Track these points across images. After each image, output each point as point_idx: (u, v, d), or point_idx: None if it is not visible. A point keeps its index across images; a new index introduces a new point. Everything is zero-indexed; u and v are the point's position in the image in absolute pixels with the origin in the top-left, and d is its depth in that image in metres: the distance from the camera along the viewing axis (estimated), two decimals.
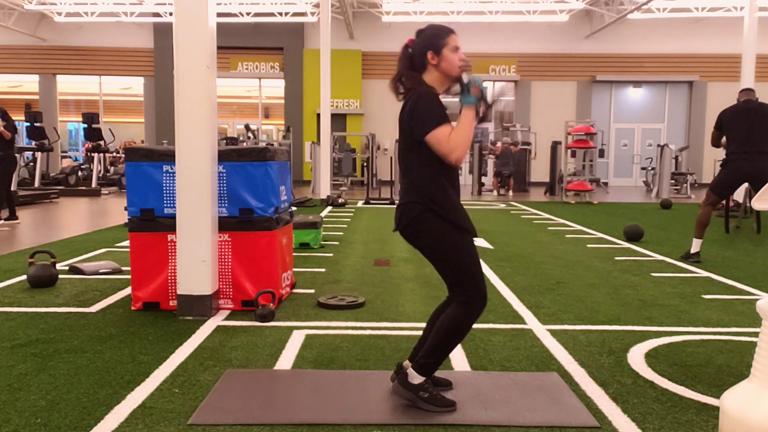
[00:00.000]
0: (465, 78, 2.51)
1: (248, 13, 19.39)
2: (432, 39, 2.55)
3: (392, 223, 9.54)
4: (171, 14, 19.01)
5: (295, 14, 19.73)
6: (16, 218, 9.09)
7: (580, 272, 5.64)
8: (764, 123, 5.79)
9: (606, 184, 20.72)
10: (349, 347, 3.43)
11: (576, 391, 2.82)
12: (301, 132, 20.79)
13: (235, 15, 19.33)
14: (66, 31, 20.96)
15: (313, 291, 4.79)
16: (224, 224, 4.13)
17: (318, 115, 19.82)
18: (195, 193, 3.90)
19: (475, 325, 3.85)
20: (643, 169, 19.60)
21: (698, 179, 20.54)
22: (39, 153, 15.02)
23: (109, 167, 18.09)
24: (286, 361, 3.20)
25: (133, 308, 4.18)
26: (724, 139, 6.05)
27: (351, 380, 2.92)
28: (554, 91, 21.13)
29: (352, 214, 10.81)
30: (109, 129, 18.09)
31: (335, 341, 3.53)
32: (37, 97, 21.34)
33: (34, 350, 3.31)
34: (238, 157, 4.13)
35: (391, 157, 15.01)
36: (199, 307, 3.95)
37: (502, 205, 13.15)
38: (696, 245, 6.17)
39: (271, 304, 4.04)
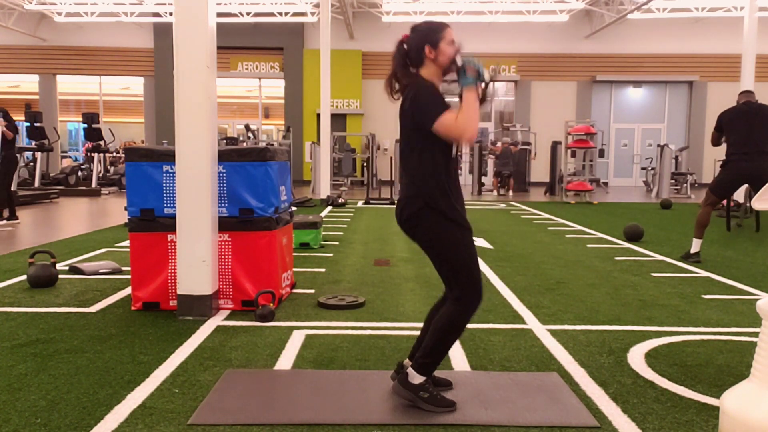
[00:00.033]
0: (459, 61, 2.52)
1: (248, 13, 19.39)
2: (429, 33, 2.56)
3: (392, 223, 9.54)
4: (171, 14, 19.01)
5: (295, 14, 19.73)
6: (16, 218, 9.09)
7: (580, 272, 5.64)
8: (764, 124, 5.81)
9: (606, 184, 20.72)
10: (349, 347, 3.43)
11: (576, 391, 2.82)
12: (301, 132, 20.79)
13: (235, 15, 19.33)
14: (66, 31, 20.96)
15: (313, 291, 4.79)
16: (224, 224, 4.13)
17: (318, 115, 19.82)
18: (195, 193, 3.90)
19: (475, 325, 3.85)
20: (643, 169, 19.60)
21: (698, 179, 20.54)
22: (39, 153, 15.02)
23: (109, 167, 18.09)
24: (286, 361, 3.20)
25: (133, 308, 4.18)
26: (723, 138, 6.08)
27: (351, 380, 2.92)
28: (554, 91, 21.13)
29: (352, 214, 10.81)
30: (109, 129, 18.09)
31: (335, 341, 3.53)
32: (37, 97, 21.34)
33: (34, 350, 3.31)
34: (238, 157, 4.13)
35: (391, 157, 15.02)
36: (199, 307, 3.95)
37: (502, 205, 13.14)
38: (696, 245, 6.17)
39: (271, 304, 4.04)
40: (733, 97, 7.97)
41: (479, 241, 7.56)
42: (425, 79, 2.56)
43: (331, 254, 6.52)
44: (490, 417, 2.53)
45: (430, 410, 2.56)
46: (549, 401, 2.69)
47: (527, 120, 20.89)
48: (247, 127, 16.49)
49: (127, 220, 4.97)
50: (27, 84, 21.62)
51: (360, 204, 13.03)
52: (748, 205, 9.87)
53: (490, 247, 7.18)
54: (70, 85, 21.76)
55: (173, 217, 4.12)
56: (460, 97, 2.52)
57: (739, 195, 11.41)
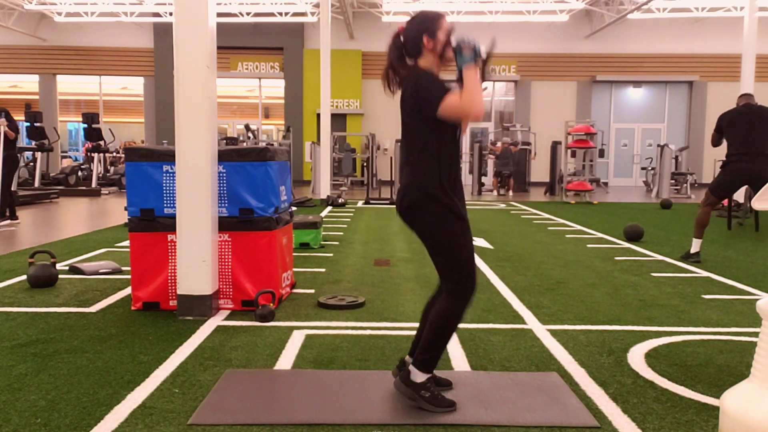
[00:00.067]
0: (454, 41, 2.52)
1: (248, 13, 19.39)
2: (426, 23, 2.56)
3: (392, 223, 9.54)
4: (171, 14, 19.01)
5: (295, 14, 19.73)
6: (16, 218, 9.09)
7: (580, 272, 5.64)
8: (764, 125, 5.83)
9: (606, 184, 20.72)
10: (349, 347, 3.43)
11: (576, 391, 2.82)
12: (301, 132, 20.79)
13: (235, 15, 19.33)
14: (66, 31, 20.96)
15: (313, 291, 4.79)
16: (224, 224, 4.13)
17: (318, 115, 19.82)
18: (195, 193, 3.90)
19: (475, 325, 3.85)
20: (643, 169, 19.60)
21: (698, 179, 20.55)
22: (39, 153, 15.02)
23: (109, 167, 18.09)
24: (286, 361, 3.20)
25: (133, 308, 4.18)
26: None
27: (351, 380, 2.92)
28: (554, 91, 21.13)
29: (352, 214, 10.81)
30: (109, 129, 18.09)
31: (335, 341, 3.53)
32: (37, 97, 21.34)
33: (34, 350, 3.31)
34: (238, 157, 4.13)
35: (391, 157, 15.02)
36: (199, 307, 3.95)
37: (502, 205, 13.14)
38: (696, 245, 6.18)
39: (271, 304, 4.04)
40: (733, 97, 7.99)
41: (479, 241, 7.56)
42: (423, 68, 2.56)
43: (331, 254, 6.52)
44: (490, 417, 2.53)
45: (430, 410, 2.56)
46: (549, 401, 2.69)
47: (527, 120, 20.89)
48: (247, 127, 16.49)
49: (127, 220, 4.97)
50: (27, 84, 21.63)
51: (360, 204, 13.03)
52: (748, 205, 9.87)
53: (490, 247, 7.18)
54: (70, 85, 21.77)
55: (173, 217, 4.12)
56: (459, 79, 2.52)
57: (739, 195, 11.41)
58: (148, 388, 2.80)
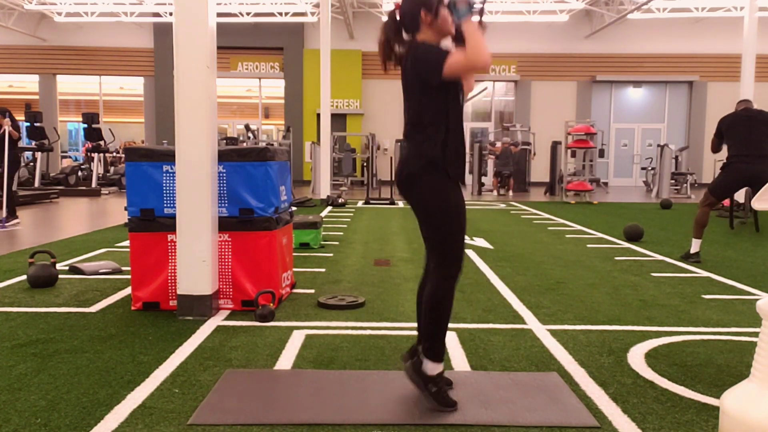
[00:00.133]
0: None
1: (248, 13, 19.39)
2: None
3: (392, 223, 9.54)
4: (171, 14, 19.01)
5: (295, 14, 19.73)
6: (16, 218, 9.09)
7: (580, 272, 5.64)
8: (764, 128, 5.86)
9: (606, 184, 20.72)
10: (349, 347, 3.43)
11: (576, 391, 2.82)
12: (301, 132, 20.79)
13: (235, 15, 19.33)
14: (66, 31, 20.96)
15: (313, 291, 4.79)
16: (224, 224, 4.13)
17: (318, 115, 19.82)
18: (195, 193, 3.90)
19: (475, 325, 3.85)
20: (643, 169, 19.60)
21: (698, 179, 20.55)
22: (39, 153, 15.02)
23: (109, 167, 18.09)
24: (286, 361, 3.20)
25: (133, 308, 4.18)
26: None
27: (351, 380, 2.92)
28: (554, 91, 21.13)
29: (352, 214, 10.81)
30: (109, 129, 18.09)
31: (335, 341, 3.53)
32: (37, 97, 21.33)
33: (34, 350, 3.31)
34: (238, 157, 4.13)
35: (391, 157, 15.02)
36: (199, 307, 3.95)
37: (502, 205, 13.14)
38: (695, 245, 6.18)
39: (271, 304, 4.04)
40: (733, 97, 8.00)
41: (479, 241, 7.56)
42: (421, 40, 2.57)
43: (331, 254, 6.52)
44: (490, 417, 2.53)
45: (431, 405, 2.57)
46: (549, 401, 2.69)
47: (527, 120, 20.89)
48: (247, 127, 16.49)
49: (127, 220, 4.97)
50: (27, 84, 21.62)
51: (360, 204, 13.03)
52: (749, 205, 9.87)
53: (490, 247, 7.18)
54: (70, 85, 21.76)
55: (173, 217, 4.12)
56: (458, 37, 2.51)
57: (739, 196, 11.41)
58: (148, 388, 2.80)
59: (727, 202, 10.73)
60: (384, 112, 20.67)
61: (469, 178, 17.86)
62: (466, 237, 7.83)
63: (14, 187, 8.88)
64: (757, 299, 4.65)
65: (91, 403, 2.63)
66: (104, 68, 21.26)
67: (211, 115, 3.95)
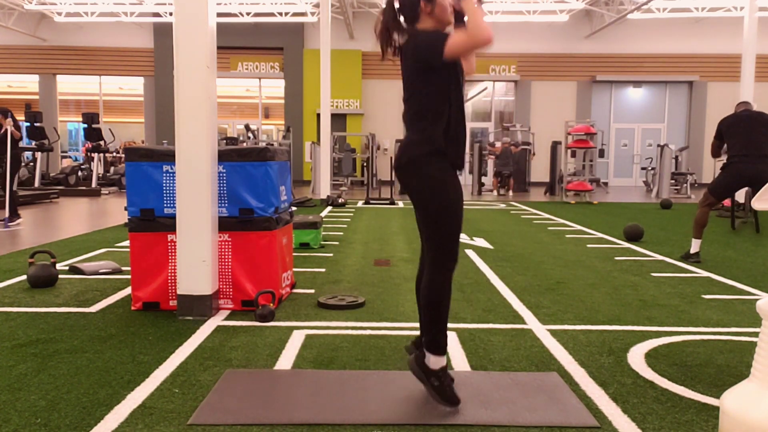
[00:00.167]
0: None
1: (248, 13, 19.39)
2: None
3: (392, 223, 9.54)
4: (171, 14, 19.01)
5: (295, 14, 19.73)
6: (19, 218, 9.09)
7: (580, 272, 5.64)
8: (764, 128, 5.87)
9: (606, 184, 20.72)
10: (349, 347, 3.43)
11: (576, 391, 2.82)
12: (301, 132, 20.79)
13: (235, 15, 19.33)
14: (66, 31, 20.96)
15: (313, 291, 4.79)
16: (224, 224, 4.13)
17: (318, 115, 19.82)
18: (195, 193, 3.90)
19: (475, 325, 3.85)
20: (643, 169, 19.60)
21: (698, 179, 20.54)
22: (39, 153, 15.02)
23: (109, 167, 18.09)
24: (286, 361, 3.20)
25: (133, 308, 4.18)
26: (724, 147, 6.13)
27: (351, 380, 2.92)
28: (554, 91, 21.13)
29: (352, 214, 10.81)
30: (109, 129, 18.09)
31: (335, 341, 3.53)
32: (37, 97, 21.33)
33: (34, 350, 3.31)
34: (238, 157, 4.13)
35: (391, 157, 15.01)
36: (199, 307, 3.95)
37: (502, 205, 13.14)
38: (695, 245, 6.18)
39: (271, 304, 4.04)
40: (733, 98, 8.01)
41: (479, 241, 7.56)
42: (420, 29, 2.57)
43: (331, 254, 6.52)
44: (491, 417, 2.53)
45: (434, 398, 2.57)
46: (549, 401, 2.69)
47: (527, 120, 20.89)
48: (247, 127, 16.49)
49: (127, 220, 4.97)
50: (27, 84, 21.62)
51: (360, 204, 13.03)
52: (749, 205, 9.87)
53: (490, 247, 7.18)
54: (70, 85, 21.77)
55: (173, 217, 4.12)
56: (457, 20, 2.51)
57: (740, 196, 11.41)
58: (148, 388, 2.80)
59: (727, 202, 10.74)
60: (384, 112, 20.67)
61: (469, 178, 17.86)
62: (467, 237, 7.84)
63: (14, 187, 8.88)
64: (757, 299, 4.65)
65: (91, 403, 2.63)
66: (104, 68, 21.26)
67: (211, 115, 3.95)
